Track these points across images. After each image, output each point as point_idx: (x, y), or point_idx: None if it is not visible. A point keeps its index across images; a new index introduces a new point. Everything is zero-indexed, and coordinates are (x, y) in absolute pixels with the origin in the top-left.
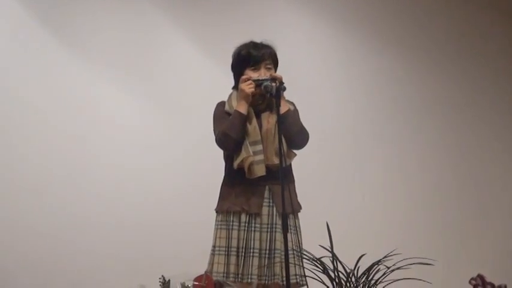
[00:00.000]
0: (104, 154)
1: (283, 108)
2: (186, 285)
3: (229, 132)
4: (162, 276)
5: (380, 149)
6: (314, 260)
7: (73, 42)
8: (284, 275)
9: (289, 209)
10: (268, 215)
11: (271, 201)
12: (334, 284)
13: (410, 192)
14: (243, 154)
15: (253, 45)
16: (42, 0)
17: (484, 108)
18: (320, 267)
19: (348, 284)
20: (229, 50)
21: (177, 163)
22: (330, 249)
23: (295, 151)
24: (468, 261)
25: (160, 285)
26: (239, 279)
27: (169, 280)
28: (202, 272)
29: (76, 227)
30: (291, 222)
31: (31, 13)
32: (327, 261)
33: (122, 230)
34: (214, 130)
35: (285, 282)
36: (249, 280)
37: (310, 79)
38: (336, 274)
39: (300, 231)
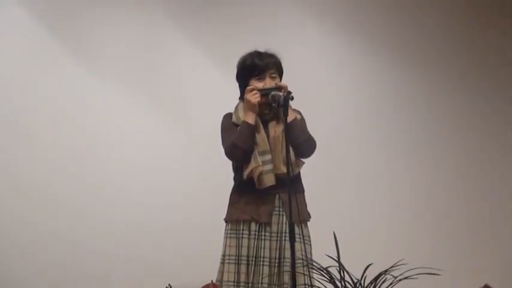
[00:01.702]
0: (111, 160)
1: (290, 117)
2: None
3: (239, 143)
4: (169, 284)
5: (386, 158)
6: (321, 270)
7: (83, 51)
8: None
9: (297, 218)
10: (278, 224)
11: (281, 209)
12: None
13: (417, 202)
14: (252, 164)
15: (257, 55)
16: (52, 12)
17: (494, 115)
18: (327, 277)
19: None
20: (237, 58)
21: (185, 175)
22: (336, 259)
23: (303, 160)
24: (475, 271)
25: None
26: None
27: None
28: (209, 281)
29: (83, 234)
30: (299, 231)
31: (41, 24)
32: (334, 271)
33: (129, 239)
34: (222, 142)
35: None
36: None
37: (315, 86)
38: (343, 284)
39: (310, 241)
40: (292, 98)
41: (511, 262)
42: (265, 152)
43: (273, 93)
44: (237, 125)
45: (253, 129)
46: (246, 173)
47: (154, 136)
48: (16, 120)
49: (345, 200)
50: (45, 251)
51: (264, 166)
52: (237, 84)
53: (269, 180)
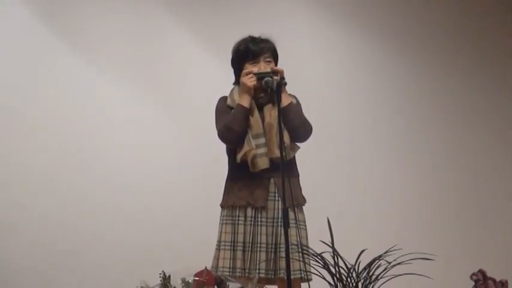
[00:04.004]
0: (107, 152)
1: (285, 101)
2: (186, 280)
3: (232, 125)
4: (163, 271)
5: (380, 145)
6: (315, 256)
7: (82, 41)
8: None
9: (291, 203)
10: (274, 209)
11: (276, 194)
12: (335, 279)
13: (411, 188)
14: (246, 147)
15: (251, 40)
16: (49, 3)
17: (485, 108)
18: (321, 262)
19: (349, 280)
20: (231, 45)
21: (181, 160)
22: (330, 245)
23: (298, 144)
24: (469, 257)
25: (160, 280)
26: (246, 274)
27: (169, 275)
28: (203, 267)
29: (78, 222)
30: (294, 216)
31: (37, 15)
32: (328, 257)
33: (123, 226)
34: (216, 124)
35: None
36: (256, 275)
37: (310, 76)
38: (337, 269)
39: (305, 225)
40: (285, 84)
41: (504, 247)
42: (258, 135)
43: (265, 78)
44: (231, 108)
45: (247, 112)
46: (239, 156)
47: (153, 123)
48: (16, 110)
49: (339, 187)
50: (43, 236)
51: (258, 149)
52: (232, 72)
53: (263, 164)
